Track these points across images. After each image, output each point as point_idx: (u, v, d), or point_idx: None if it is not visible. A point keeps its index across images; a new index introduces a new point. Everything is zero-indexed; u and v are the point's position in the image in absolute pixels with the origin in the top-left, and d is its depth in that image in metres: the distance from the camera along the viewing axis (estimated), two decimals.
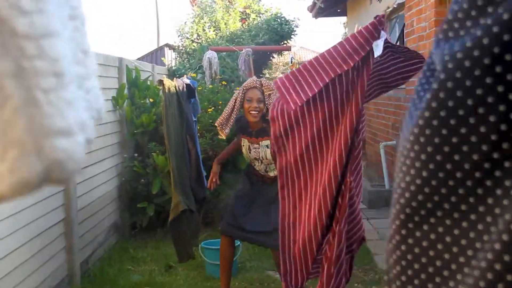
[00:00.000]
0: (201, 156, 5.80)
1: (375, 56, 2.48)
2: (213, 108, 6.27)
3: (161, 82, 4.23)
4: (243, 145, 4.13)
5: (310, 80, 2.49)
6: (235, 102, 4.09)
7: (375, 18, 2.45)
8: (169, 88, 4.21)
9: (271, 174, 4.06)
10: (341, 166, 2.53)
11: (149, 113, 5.98)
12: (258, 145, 4.04)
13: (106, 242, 5.50)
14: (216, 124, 4.24)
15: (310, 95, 2.47)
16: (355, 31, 2.83)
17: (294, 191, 2.74)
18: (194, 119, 4.63)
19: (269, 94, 4.01)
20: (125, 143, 6.03)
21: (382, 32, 2.44)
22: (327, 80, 2.46)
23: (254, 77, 4.23)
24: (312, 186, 2.66)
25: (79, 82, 0.75)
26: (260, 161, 4.07)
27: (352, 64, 2.43)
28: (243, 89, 4.07)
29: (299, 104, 2.48)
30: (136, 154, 6.00)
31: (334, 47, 2.54)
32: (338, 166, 2.52)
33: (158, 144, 5.84)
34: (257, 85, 4.04)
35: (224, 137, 4.23)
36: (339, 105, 2.57)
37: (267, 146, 4.00)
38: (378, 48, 2.42)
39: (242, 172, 4.49)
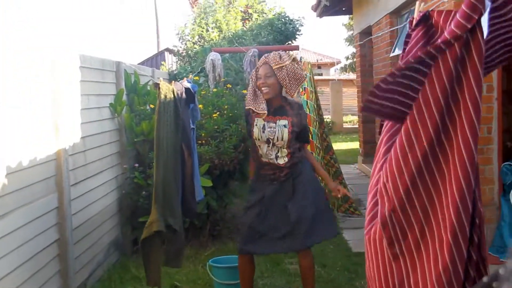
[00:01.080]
0: (208, 164, 5.41)
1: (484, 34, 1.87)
2: (218, 113, 5.86)
3: (157, 85, 3.80)
4: (256, 125, 3.86)
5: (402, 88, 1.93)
6: (253, 82, 3.89)
7: None
8: (165, 93, 3.78)
9: (281, 161, 3.83)
10: (470, 194, 1.82)
11: (149, 120, 5.56)
12: (274, 124, 3.83)
13: (106, 261, 5.07)
14: (247, 108, 3.92)
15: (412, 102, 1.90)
16: (417, 10, 2.32)
17: (409, 245, 2.00)
18: (192, 126, 4.20)
19: (280, 68, 3.79)
20: (124, 153, 5.62)
21: (487, 2, 1.82)
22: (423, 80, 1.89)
23: (255, 50, 4.06)
24: (432, 232, 1.90)
25: None
26: (271, 143, 3.81)
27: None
28: (257, 67, 3.90)
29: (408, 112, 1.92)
30: (136, 165, 5.58)
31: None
32: (466, 194, 1.81)
33: None
34: (266, 60, 3.86)
35: (264, 114, 3.80)
36: (445, 106, 1.88)
37: (284, 125, 3.83)
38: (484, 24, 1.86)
39: (250, 181, 4.24)
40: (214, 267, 4.46)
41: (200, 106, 5.48)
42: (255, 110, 3.79)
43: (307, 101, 6.48)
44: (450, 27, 1.83)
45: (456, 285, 1.80)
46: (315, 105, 6.64)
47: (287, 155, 3.84)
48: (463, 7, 1.79)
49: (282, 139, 3.80)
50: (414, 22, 2.30)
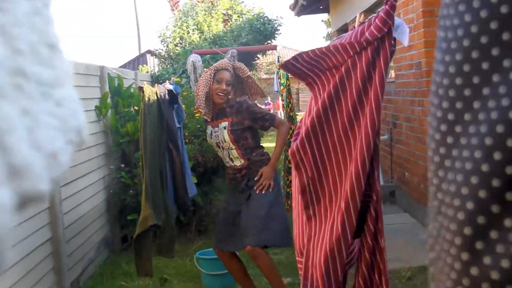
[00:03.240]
0: (192, 162, 5.62)
1: (405, 44, 2.30)
2: (200, 113, 6.06)
3: (141, 89, 4.01)
4: (207, 132, 4.07)
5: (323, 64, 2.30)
6: (205, 83, 3.86)
7: (385, 3, 2.17)
8: (149, 96, 3.99)
9: (237, 163, 3.89)
10: (364, 174, 2.19)
11: (134, 122, 5.77)
12: (217, 128, 3.91)
13: (97, 258, 5.27)
14: (199, 110, 4.04)
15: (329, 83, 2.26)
16: (358, 20, 2.66)
17: (320, 208, 2.40)
18: (178, 125, 4.42)
19: (248, 76, 3.98)
20: (110, 154, 5.81)
21: (397, 18, 2.23)
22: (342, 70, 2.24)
23: (235, 51, 4.11)
24: (336, 200, 2.33)
25: (43, 90, 0.48)
26: (221, 147, 3.92)
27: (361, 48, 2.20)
28: (214, 69, 3.91)
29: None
30: (123, 165, 5.79)
31: (340, 43, 2.30)
32: (361, 173, 2.19)
33: None
34: (229, 67, 3.94)
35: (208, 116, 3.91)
36: (357, 100, 2.26)
37: (224, 127, 3.86)
38: (404, 35, 2.24)
39: None
40: (201, 259, 4.67)
41: (183, 106, 5.67)
42: (204, 114, 3.91)
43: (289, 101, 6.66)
44: (369, 30, 2.22)
45: (349, 240, 2.25)
46: (290, 105, 6.81)
47: (240, 156, 3.87)
48: (376, 20, 2.18)
49: (225, 141, 3.85)
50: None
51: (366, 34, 2.20)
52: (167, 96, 4.29)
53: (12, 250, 3.63)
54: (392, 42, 2.20)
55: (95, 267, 5.18)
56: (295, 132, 2.59)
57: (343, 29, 10.21)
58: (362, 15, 2.76)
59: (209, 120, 3.98)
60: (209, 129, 3.99)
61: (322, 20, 23.15)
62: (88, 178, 5.18)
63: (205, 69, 7.40)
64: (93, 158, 5.37)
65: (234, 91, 4.01)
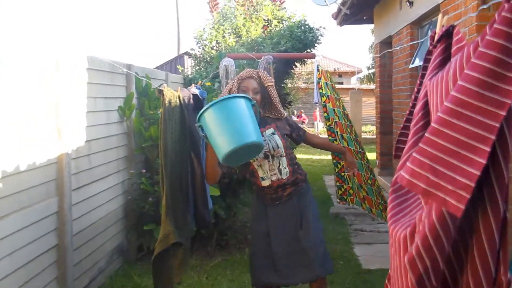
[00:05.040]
0: None
1: None
2: None
3: (160, 92, 3.66)
4: None
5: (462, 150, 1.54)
6: (229, 93, 3.57)
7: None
8: (170, 100, 3.64)
9: (284, 176, 3.54)
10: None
11: (158, 125, 5.45)
12: (263, 137, 3.50)
13: (108, 268, 4.96)
14: None
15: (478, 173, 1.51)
16: (440, 24, 2.15)
17: None
18: (202, 133, 4.05)
19: (271, 86, 3.64)
20: (132, 158, 5.51)
21: None
22: (492, 138, 1.51)
23: (270, 57, 3.76)
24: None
25: None
26: (271, 156, 3.52)
27: None
28: (238, 79, 3.61)
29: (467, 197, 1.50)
30: (144, 170, 5.47)
31: (463, 74, 1.59)
32: None
33: None
34: (254, 75, 3.62)
35: None
36: None
37: (273, 133, 3.59)
38: None
39: (252, 203, 3.86)
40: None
41: None
42: None
43: (334, 109, 6.28)
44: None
45: None
46: (343, 112, 6.44)
47: (287, 165, 3.57)
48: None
49: (278, 147, 3.54)
50: (436, 38, 2.13)
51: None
52: (191, 101, 3.95)
53: (11, 257, 3.35)
54: None
55: (105, 277, 4.87)
56: None
57: (387, 41, 9.78)
58: (446, 17, 2.20)
59: None
60: None
61: (371, 30, 22.58)
62: (105, 182, 4.89)
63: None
64: (113, 161, 5.08)
65: (262, 100, 3.66)
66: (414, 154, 1.61)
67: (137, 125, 5.45)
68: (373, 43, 20.74)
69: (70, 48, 4.32)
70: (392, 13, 9.01)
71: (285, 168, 3.56)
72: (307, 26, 10.13)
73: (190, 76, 8.82)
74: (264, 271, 3.55)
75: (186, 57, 16.48)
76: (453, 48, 1.96)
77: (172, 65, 16.47)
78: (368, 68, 22.71)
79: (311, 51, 10.08)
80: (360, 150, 6.37)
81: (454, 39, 1.97)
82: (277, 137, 3.57)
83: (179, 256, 3.67)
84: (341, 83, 29.54)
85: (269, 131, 3.60)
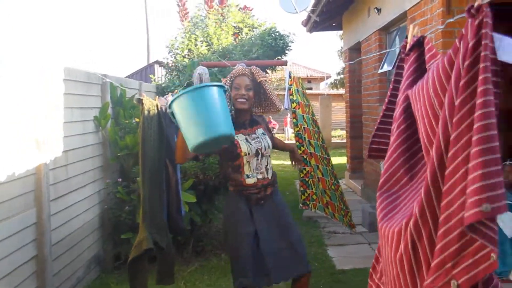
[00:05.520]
0: (192, 179, 5.35)
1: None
2: None
3: (140, 101, 3.72)
4: (241, 141, 3.57)
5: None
6: None
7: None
8: (148, 108, 3.71)
9: (269, 175, 3.65)
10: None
11: (134, 134, 5.50)
12: (255, 135, 3.64)
13: (86, 277, 4.98)
14: None
15: None
16: (411, 33, 2.33)
17: None
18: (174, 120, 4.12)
19: (265, 81, 3.75)
20: (108, 167, 5.54)
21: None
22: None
23: (243, 65, 3.83)
24: None
25: None
26: (260, 154, 3.60)
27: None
28: (231, 76, 3.69)
29: None
30: (120, 179, 5.51)
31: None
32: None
33: None
34: (246, 72, 3.70)
35: None
36: None
37: (263, 133, 3.70)
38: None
39: (227, 206, 3.79)
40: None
41: None
42: None
43: (303, 115, 6.43)
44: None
45: None
46: (312, 118, 6.60)
47: (271, 166, 3.68)
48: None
49: (268, 147, 3.65)
50: (408, 47, 2.32)
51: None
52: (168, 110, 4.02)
53: None
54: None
55: (83, 287, 4.89)
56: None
57: (356, 47, 9.98)
58: (416, 27, 2.41)
59: (238, 129, 3.62)
60: (242, 137, 3.60)
61: (340, 36, 22.79)
62: (82, 192, 4.92)
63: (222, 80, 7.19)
64: (89, 170, 5.11)
65: (255, 96, 3.76)
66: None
67: (113, 134, 5.49)
68: (341, 48, 21.00)
69: (47, 59, 4.36)
70: (361, 19, 9.22)
71: (270, 168, 3.67)
72: (277, 33, 10.28)
73: (163, 85, 8.86)
74: (255, 272, 3.50)
75: (156, 66, 16.48)
76: (426, 56, 2.16)
77: (142, 74, 16.45)
78: (338, 74, 22.98)
79: (282, 58, 10.23)
80: (326, 156, 6.55)
81: (426, 48, 2.18)
82: (267, 137, 3.69)
83: (167, 260, 3.76)
84: (311, 88, 29.86)
85: (260, 130, 3.70)
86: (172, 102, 3.16)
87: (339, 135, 22.40)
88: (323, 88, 30.25)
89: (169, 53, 10.72)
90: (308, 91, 25.37)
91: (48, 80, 4.29)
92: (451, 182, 1.78)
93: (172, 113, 3.21)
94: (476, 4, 1.74)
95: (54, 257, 4.25)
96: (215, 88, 3.18)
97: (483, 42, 1.72)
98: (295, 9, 9.54)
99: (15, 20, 4.19)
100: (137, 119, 5.81)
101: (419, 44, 2.26)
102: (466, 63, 1.75)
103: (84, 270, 4.95)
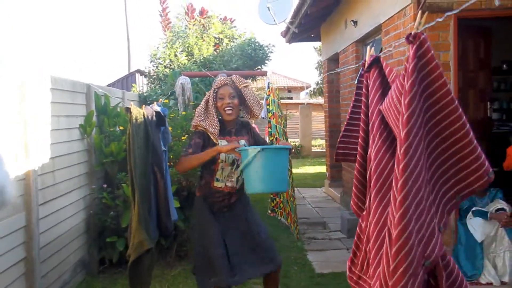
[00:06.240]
0: (175, 186, 5.52)
1: None
2: (186, 136, 5.99)
3: (128, 110, 3.90)
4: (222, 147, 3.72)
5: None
6: (207, 103, 3.86)
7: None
8: (136, 117, 3.89)
9: (239, 184, 3.84)
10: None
11: (119, 141, 5.67)
12: (238, 144, 3.76)
13: (72, 280, 5.11)
14: (194, 125, 3.86)
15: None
16: (369, 53, 2.68)
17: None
18: (164, 148, 4.30)
19: (246, 86, 3.93)
20: (93, 174, 5.69)
21: None
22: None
23: (224, 75, 4.04)
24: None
25: None
26: (236, 165, 3.79)
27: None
28: (214, 89, 3.89)
29: None
30: (105, 185, 5.66)
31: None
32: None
33: (129, 174, 5.49)
34: (228, 82, 3.91)
35: (214, 138, 3.77)
36: None
37: (244, 145, 3.82)
38: None
39: (194, 211, 4.03)
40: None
41: (170, 128, 5.59)
42: (208, 129, 3.75)
43: (276, 126, 6.67)
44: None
45: None
46: (283, 129, 6.84)
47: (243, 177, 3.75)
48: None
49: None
50: (366, 65, 2.73)
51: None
52: (154, 118, 4.20)
53: None
54: None
55: None
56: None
57: (334, 58, 10.24)
58: (372, 49, 2.83)
59: (223, 136, 3.85)
60: (224, 143, 3.78)
61: (314, 47, 23.12)
62: (69, 197, 5.06)
63: (199, 92, 7.39)
64: (74, 177, 5.26)
65: (240, 102, 3.94)
66: None
67: (98, 142, 5.64)
68: (319, 60, 21.30)
69: (35, 68, 4.51)
70: (338, 31, 9.48)
71: (242, 180, 3.81)
72: (257, 44, 10.51)
73: (145, 93, 9.03)
74: (226, 271, 3.64)
75: (137, 74, 16.59)
76: (386, 71, 2.56)
77: (123, 83, 16.54)
78: (317, 83, 23.25)
79: (262, 68, 10.46)
80: (289, 167, 6.80)
81: (383, 64, 2.58)
82: None
83: (147, 262, 3.91)
84: (291, 98, 30.13)
85: (242, 141, 3.86)
86: (263, 149, 3.49)
87: (319, 144, 22.65)
88: (303, 97, 30.56)
89: (151, 62, 10.90)
90: (288, 101, 25.66)
91: (36, 88, 4.44)
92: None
93: (254, 154, 3.48)
94: (413, 32, 2.17)
95: (42, 259, 4.38)
96: (287, 151, 3.63)
97: (419, 64, 2.15)
98: (274, 20, 9.78)
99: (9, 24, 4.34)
100: (121, 127, 5.98)
101: (377, 61, 2.64)
102: (409, 82, 2.15)
103: (71, 273, 5.08)
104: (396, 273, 2.15)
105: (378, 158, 2.46)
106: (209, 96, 3.88)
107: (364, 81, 2.76)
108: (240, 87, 3.91)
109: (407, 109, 2.13)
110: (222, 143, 3.78)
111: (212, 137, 3.79)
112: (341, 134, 2.97)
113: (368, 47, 2.90)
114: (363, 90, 2.78)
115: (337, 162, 3.05)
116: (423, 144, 2.20)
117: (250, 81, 11.48)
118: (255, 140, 4.03)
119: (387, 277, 2.20)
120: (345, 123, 2.94)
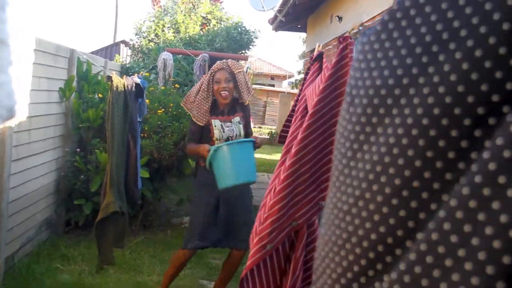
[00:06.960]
0: (147, 157, 5.69)
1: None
2: (163, 110, 6.15)
3: (109, 78, 4.06)
4: (215, 127, 4.02)
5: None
6: (201, 85, 4.08)
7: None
8: (117, 86, 4.05)
9: None
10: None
11: (96, 109, 5.81)
12: (230, 123, 4.06)
13: (37, 237, 5.27)
14: (182, 105, 4.18)
15: None
16: (317, 49, 2.92)
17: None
18: (139, 119, 4.47)
19: (240, 72, 4.12)
20: (68, 137, 5.83)
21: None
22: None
23: (206, 55, 4.23)
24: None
25: None
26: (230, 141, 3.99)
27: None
28: (211, 72, 4.10)
29: None
30: (78, 149, 5.81)
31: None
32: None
33: (102, 141, 5.65)
34: (224, 66, 4.10)
35: (197, 122, 4.03)
36: None
37: (238, 122, 4.09)
38: None
39: (195, 184, 4.22)
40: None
41: (147, 101, 5.74)
42: (192, 111, 4.03)
43: None
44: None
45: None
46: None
47: None
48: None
49: (240, 135, 4.05)
50: (313, 58, 3.04)
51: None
52: (133, 89, 4.36)
53: None
54: None
55: (33, 246, 5.18)
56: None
57: None
58: (321, 45, 3.11)
59: (215, 116, 4.08)
60: (218, 123, 4.03)
61: (300, 38, 23.28)
62: (42, 157, 5.20)
63: (182, 69, 7.52)
64: (50, 138, 5.39)
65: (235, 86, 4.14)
66: None
67: (76, 106, 5.77)
68: (303, 50, 21.47)
69: (20, 28, 4.60)
70: (324, 25, 9.66)
71: None
72: (243, 28, 10.65)
73: (127, 65, 9.12)
74: (204, 235, 3.97)
75: (122, 45, 16.60)
76: (323, 66, 2.88)
77: (107, 52, 16.53)
78: (299, 73, 23.45)
79: (246, 52, 10.61)
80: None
81: (324, 60, 2.89)
82: (241, 127, 4.09)
83: (120, 224, 4.10)
84: (273, 85, 30.31)
85: (236, 119, 4.10)
86: (220, 146, 3.71)
87: None
88: (285, 86, 30.75)
89: (135, 35, 10.97)
90: (270, 88, 25.75)
91: (23, 47, 4.55)
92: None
93: (214, 153, 3.74)
94: (346, 35, 2.53)
95: (10, 214, 4.53)
96: (251, 143, 3.85)
97: (340, 62, 2.46)
98: (263, 7, 9.92)
99: None
100: (100, 95, 6.11)
101: (321, 57, 2.95)
102: (328, 73, 2.48)
103: (36, 230, 5.23)
104: (266, 222, 2.47)
105: (291, 131, 2.77)
106: (204, 79, 4.09)
107: (310, 72, 3.08)
108: (235, 72, 4.11)
109: (320, 94, 2.43)
110: (216, 123, 4.03)
111: (194, 119, 4.03)
112: (286, 120, 3.32)
113: (317, 43, 3.19)
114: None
115: (280, 143, 3.40)
116: (325, 126, 2.49)
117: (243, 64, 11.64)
118: (246, 121, 4.21)
119: (259, 222, 2.54)
120: (290, 109, 3.29)
